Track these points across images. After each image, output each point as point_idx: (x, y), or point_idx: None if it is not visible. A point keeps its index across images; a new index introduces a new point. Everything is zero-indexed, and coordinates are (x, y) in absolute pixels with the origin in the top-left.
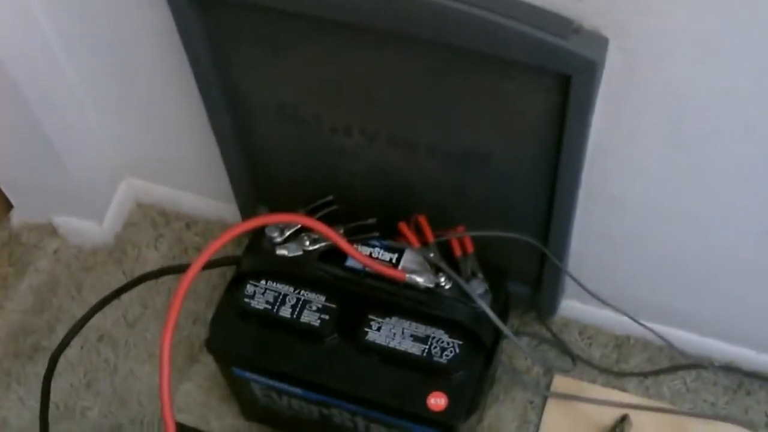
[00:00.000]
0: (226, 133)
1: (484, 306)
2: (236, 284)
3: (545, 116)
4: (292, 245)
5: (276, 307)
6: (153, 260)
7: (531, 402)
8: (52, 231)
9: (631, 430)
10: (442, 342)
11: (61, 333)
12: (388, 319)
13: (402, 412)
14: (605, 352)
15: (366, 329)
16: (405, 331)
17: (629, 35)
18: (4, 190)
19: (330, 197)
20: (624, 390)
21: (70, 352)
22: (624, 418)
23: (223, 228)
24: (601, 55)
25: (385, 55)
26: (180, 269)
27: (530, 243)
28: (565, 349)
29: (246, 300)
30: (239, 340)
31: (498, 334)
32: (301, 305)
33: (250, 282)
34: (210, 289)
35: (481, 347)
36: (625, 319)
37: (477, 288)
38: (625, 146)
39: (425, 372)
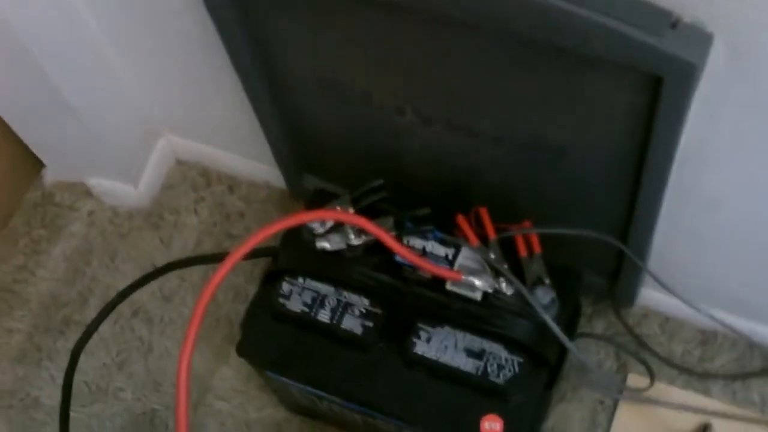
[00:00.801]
0: (261, 100)
1: (549, 320)
2: (271, 280)
3: (631, 115)
4: (335, 237)
5: (314, 309)
6: (192, 227)
7: (601, 402)
8: (87, 191)
9: None
10: (500, 359)
11: (93, 306)
12: (439, 328)
13: None
14: (688, 349)
15: (414, 339)
16: (458, 343)
17: (741, 30)
18: (34, 151)
19: (380, 181)
20: (707, 394)
21: (102, 328)
22: (706, 428)
23: (268, 191)
24: (702, 55)
25: (447, 38)
26: (210, 259)
27: (607, 241)
28: (642, 344)
29: (281, 300)
30: (273, 345)
31: (565, 350)
32: (342, 309)
33: (287, 279)
34: (251, 262)
35: (543, 365)
36: (713, 311)
37: (543, 297)
38: (725, 148)
39: (479, 392)
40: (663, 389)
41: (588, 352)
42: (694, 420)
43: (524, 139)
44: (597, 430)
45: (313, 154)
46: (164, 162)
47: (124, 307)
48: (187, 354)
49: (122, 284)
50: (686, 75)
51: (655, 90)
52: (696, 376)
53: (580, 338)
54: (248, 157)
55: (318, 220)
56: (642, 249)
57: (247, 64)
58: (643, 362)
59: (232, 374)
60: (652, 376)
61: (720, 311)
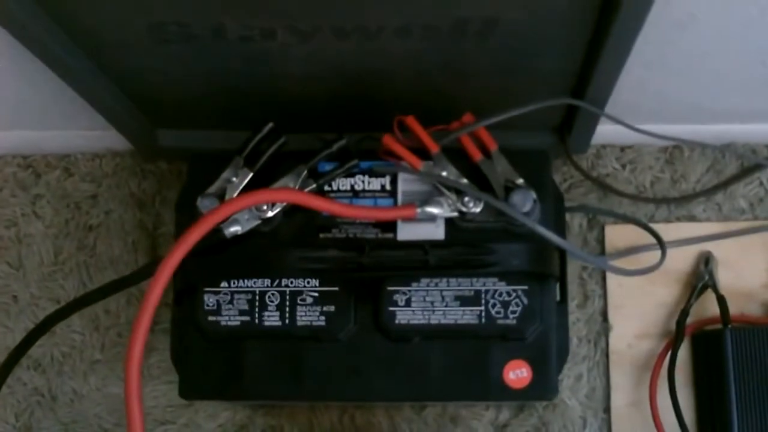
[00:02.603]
0: (77, 74)
1: (540, 229)
2: (186, 296)
3: None
4: (243, 215)
5: (256, 316)
6: (41, 235)
7: (585, 268)
8: None
9: (719, 269)
10: (501, 295)
11: None
12: (415, 284)
13: (476, 399)
14: (655, 175)
15: (390, 308)
16: (444, 294)
17: None
18: None
19: (270, 126)
20: (692, 218)
21: None
22: (708, 259)
23: (115, 160)
24: None
25: None
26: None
27: (564, 103)
28: (607, 187)
29: (210, 319)
30: (222, 375)
31: (565, 251)
32: (290, 302)
33: (207, 290)
34: (133, 256)
35: (550, 279)
36: (671, 127)
37: (522, 203)
38: None
39: (491, 340)
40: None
41: None
42: (691, 253)
43: (439, 23)
44: (592, 301)
45: (163, 108)
46: None
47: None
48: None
49: None
50: None
51: None
52: (674, 202)
53: None
54: (77, 128)
55: (235, 212)
56: (602, 98)
57: (41, 35)
58: (636, 222)
59: (166, 389)
60: (661, 244)
61: (680, 125)
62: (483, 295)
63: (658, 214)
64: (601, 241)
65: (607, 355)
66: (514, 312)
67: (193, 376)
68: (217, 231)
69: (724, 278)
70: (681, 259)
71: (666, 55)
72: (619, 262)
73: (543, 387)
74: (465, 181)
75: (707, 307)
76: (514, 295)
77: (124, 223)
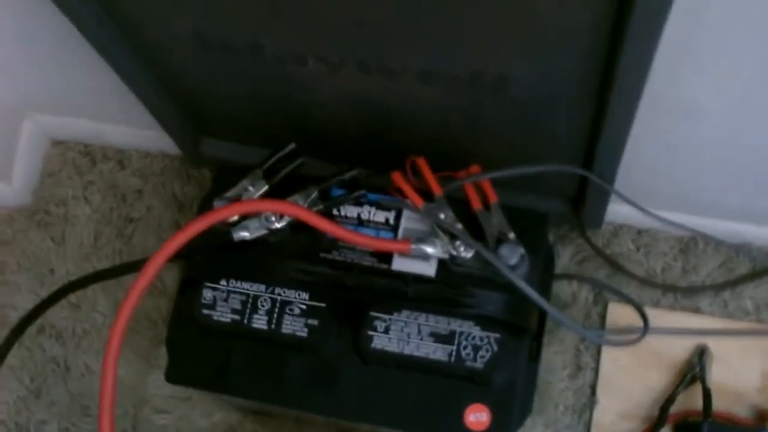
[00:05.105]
0: (126, 67)
1: (521, 284)
2: (189, 288)
3: (588, 28)
4: (253, 223)
5: (246, 316)
6: (85, 217)
7: (583, 341)
8: None
9: (713, 364)
10: (474, 338)
11: None
12: (396, 314)
13: None
14: (667, 262)
15: (369, 332)
16: (421, 329)
17: None
18: None
19: (292, 146)
20: (697, 310)
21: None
22: (703, 351)
23: (165, 161)
24: None
25: None
26: (112, 274)
27: (570, 171)
28: (617, 266)
29: (205, 312)
30: (207, 364)
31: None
32: (279, 310)
33: (207, 285)
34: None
35: (524, 335)
36: (689, 218)
37: (510, 256)
38: (707, 49)
39: (457, 380)
40: (649, 314)
41: (560, 285)
42: (688, 343)
43: (456, 72)
44: (584, 372)
45: (207, 116)
46: (36, 147)
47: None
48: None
49: (20, 300)
50: None
51: None
52: (682, 292)
53: (554, 280)
54: (135, 126)
55: (233, 215)
56: (609, 172)
57: (93, 26)
58: (632, 303)
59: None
60: (645, 319)
61: (698, 217)
62: (457, 336)
63: (663, 300)
64: (603, 316)
65: (589, 429)
66: (483, 357)
67: (182, 363)
68: (226, 233)
69: (718, 374)
70: (678, 348)
71: (677, 141)
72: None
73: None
74: (460, 226)
75: (695, 399)
76: (486, 340)
77: (162, 221)
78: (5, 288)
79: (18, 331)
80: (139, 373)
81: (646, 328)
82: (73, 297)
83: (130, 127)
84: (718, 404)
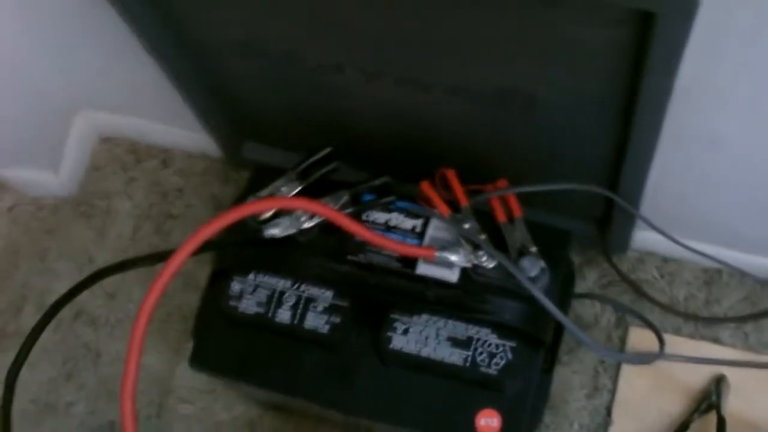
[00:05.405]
0: (177, 68)
1: (540, 296)
2: (219, 280)
3: (614, 53)
4: (284, 222)
5: (271, 309)
6: (127, 212)
7: (602, 362)
8: (2, 185)
9: (730, 393)
10: (490, 345)
11: (29, 313)
12: (416, 317)
13: None
14: (691, 292)
15: (389, 333)
16: (440, 333)
17: None
18: None
19: (328, 150)
20: (717, 341)
21: (43, 337)
22: (720, 380)
23: (206, 162)
24: None
25: None
26: (146, 261)
27: (595, 191)
28: (641, 293)
29: (232, 303)
30: (231, 354)
31: (561, 324)
32: (304, 305)
33: (236, 278)
34: None
35: (539, 346)
36: (715, 249)
37: (530, 269)
38: (727, 80)
39: (471, 385)
40: (670, 341)
41: (583, 306)
42: (706, 372)
43: (486, 89)
44: (601, 393)
45: (249, 120)
46: (86, 141)
47: (64, 311)
48: (130, 386)
49: (58, 286)
50: (687, 8)
51: (644, 25)
52: (703, 321)
53: (575, 299)
54: (180, 127)
55: (260, 211)
56: (634, 194)
57: (149, 30)
58: (649, 325)
59: (194, 372)
60: (662, 342)
61: (723, 248)
62: (473, 342)
63: (685, 328)
64: (623, 340)
65: None
66: (497, 364)
67: (206, 351)
68: (257, 230)
69: (734, 405)
70: (696, 376)
71: (702, 171)
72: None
73: None
74: (483, 237)
75: (709, 427)
76: (501, 348)
77: (200, 219)
78: (46, 274)
79: (51, 312)
80: (168, 363)
81: (662, 348)
82: (109, 287)
83: (175, 127)
84: None
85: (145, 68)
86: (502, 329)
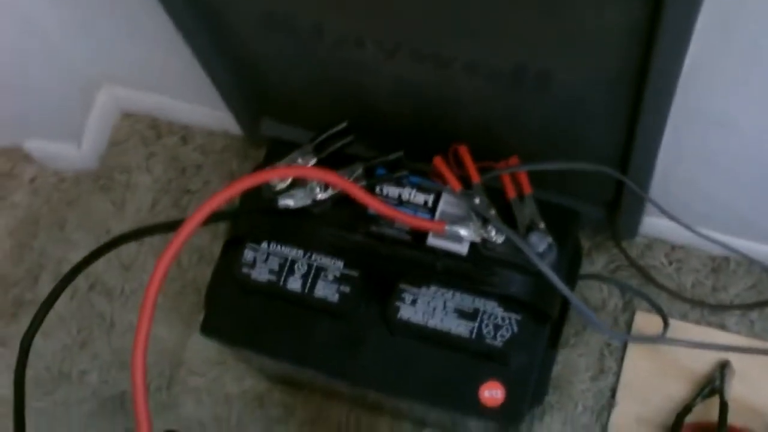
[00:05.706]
0: (201, 42)
1: (546, 270)
2: (233, 247)
3: (625, 32)
4: (299, 193)
5: (283, 278)
6: (146, 186)
7: (608, 345)
8: (26, 156)
9: (734, 379)
10: (496, 318)
11: (45, 282)
12: (424, 288)
13: (449, 407)
14: (698, 279)
15: (397, 303)
16: (447, 304)
17: None
18: None
19: (344, 124)
20: (723, 327)
21: (58, 305)
22: (724, 366)
23: (225, 139)
24: None
25: None
26: (162, 228)
27: (605, 172)
28: (648, 278)
29: (244, 270)
30: (241, 321)
31: (567, 300)
32: (314, 274)
33: (249, 245)
34: None
35: (545, 320)
36: (724, 237)
37: (538, 244)
38: (738, 62)
39: (476, 357)
40: (675, 326)
41: (590, 290)
42: (711, 357)
43: (501, 65)
44: (606, 375)
45: (268, 96)
46: (108, 116)
47: (80, 280)
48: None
49: (75, 256)
50: None
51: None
52: (709, 308)
53: (582, 280)
54: (201, 104)
55: (276, 178)
56: (643, 178)
57: (174, 3)
58: (655, 306)
59: (205, 345)
60: (666, 323)
61: (731, 236)
62: (480, 314)
63: (691, 314)
64: (629, 324)
65: (605, 430)
66: (503, 336)
67: (217, 318)
68: (272, 200)
69: (738, 390)
70: (700, 361)
71: (711, 155)
72: (637, 347)
73: (511, 413)
74: (493, 212)
75: (712, 411)
76: (507, 321)
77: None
78: (64, 244)
79: (68, 278)
80: (180, 335)
81: (665, 329)
82: (124, 258)
83: (196, 105)
84: (735, 419)
85: (169, 45)
86: (508, 302)
